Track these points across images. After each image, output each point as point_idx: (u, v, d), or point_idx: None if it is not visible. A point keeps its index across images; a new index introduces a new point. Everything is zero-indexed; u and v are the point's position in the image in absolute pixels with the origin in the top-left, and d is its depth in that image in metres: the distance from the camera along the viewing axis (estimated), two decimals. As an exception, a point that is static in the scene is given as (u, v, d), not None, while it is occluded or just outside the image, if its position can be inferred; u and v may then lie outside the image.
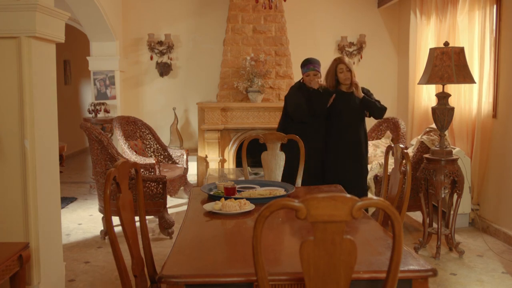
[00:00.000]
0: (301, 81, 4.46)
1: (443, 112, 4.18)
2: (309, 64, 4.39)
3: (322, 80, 4.43)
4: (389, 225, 2.86)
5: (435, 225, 4.59)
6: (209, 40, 7.45)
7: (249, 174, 4.92)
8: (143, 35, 7.38)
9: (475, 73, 4.86)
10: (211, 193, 3.03)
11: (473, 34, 5.05)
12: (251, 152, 3.91)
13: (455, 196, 4.28)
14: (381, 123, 6.34)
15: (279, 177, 3.87)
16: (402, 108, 7.34)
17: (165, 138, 7.21)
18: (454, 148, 4.75)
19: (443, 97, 4.21)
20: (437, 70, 4.07)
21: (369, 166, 5.60)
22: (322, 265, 1.54)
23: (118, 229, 2.70)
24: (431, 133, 4.73)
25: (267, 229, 2.37)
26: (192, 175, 7.00)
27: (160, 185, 4.69)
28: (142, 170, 5.04)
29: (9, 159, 3.00)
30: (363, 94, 4.28)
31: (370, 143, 6.04)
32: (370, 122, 6.77)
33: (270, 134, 3.88)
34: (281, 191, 3.02)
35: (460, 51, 4.09)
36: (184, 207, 5.76)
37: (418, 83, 4.44)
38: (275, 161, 3.85)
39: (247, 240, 2.20)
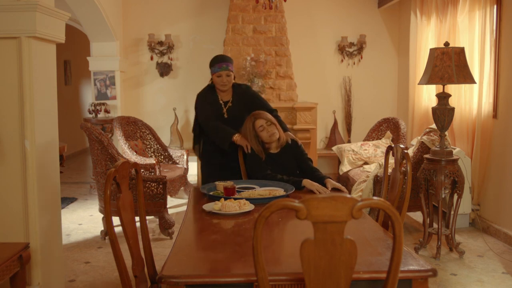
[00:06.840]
0: (210, 83, 3.76)
1: (443, 112, 4.18)
2: (221, 62, 3.62)
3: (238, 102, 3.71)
4: (389, 226, 2.86)
5: (435, 225, 4.59)
6: (209, 40, 7.45)
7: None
8: (143, 35, 7.38)
9: (475, 73, 4.86)
10: (211, 193, 3.03)
11: (473, 35, 5.05)
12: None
13: (456, 196, 4.28)
14: (381, 123, 6.34)
15: None
16: (402, 108, 7.34)
17: (165, 138, 7.21)
18: (454, 149, 4.74)
19: (443, 97, 4.21)
20: (438, 70, 4.07)
21: (369, 167, 5.60)
22: (322, 265, 1.55)
23: (118, 229, 2.71)
24: (431, 134, 4.73)
25: (267, 229, 2.37)
26: (192, 175, 7.00)
27: (160, 186, 4.69)
28: (142, 170, 5.04)
29: (9, 159, 3.00)
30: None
31: (370, 143, 6.04)
32: (370, 122, 6.81)
33: None
34: (280, 192, 3.02)
35: (461, 51, 4.09)
36: (184, 207, 5.76)
37: (419, 84, 4.44)
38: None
39: (247, 240, 2.20)
